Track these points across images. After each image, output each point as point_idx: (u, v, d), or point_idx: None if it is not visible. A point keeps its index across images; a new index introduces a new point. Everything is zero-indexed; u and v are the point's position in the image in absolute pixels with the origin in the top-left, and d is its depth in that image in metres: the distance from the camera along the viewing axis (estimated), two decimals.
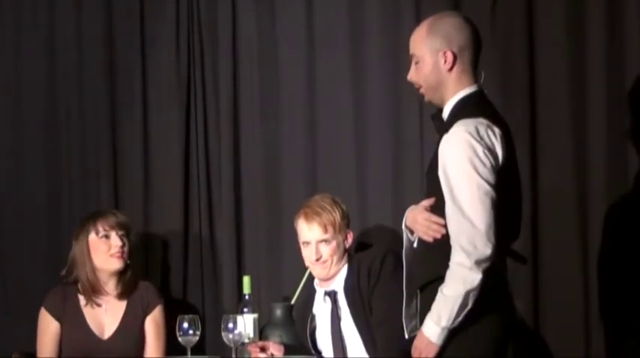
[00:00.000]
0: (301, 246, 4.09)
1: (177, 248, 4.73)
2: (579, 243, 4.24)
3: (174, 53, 4.75)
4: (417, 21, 4.32)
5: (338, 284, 4.04)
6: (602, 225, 4.19)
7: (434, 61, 3.32)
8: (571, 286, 4.22)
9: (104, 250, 4.25)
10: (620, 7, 4.24)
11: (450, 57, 3.30)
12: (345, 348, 4.01)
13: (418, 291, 3.32)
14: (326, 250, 4.01)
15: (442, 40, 3.31)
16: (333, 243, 4.02)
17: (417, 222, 3.31)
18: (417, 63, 3.37)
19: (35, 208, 4.81)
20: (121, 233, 4.27)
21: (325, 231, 4.01)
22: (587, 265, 4.23)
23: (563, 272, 4.24)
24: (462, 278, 3.14)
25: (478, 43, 3.36)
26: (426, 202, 3.31)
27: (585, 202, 4.24)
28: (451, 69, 3.31)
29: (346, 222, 4.06)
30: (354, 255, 4.13)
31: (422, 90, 3.39)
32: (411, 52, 3.39)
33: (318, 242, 4.02)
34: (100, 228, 4.26)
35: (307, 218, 4.03)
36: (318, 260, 4.00)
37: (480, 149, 3.17)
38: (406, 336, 3.39)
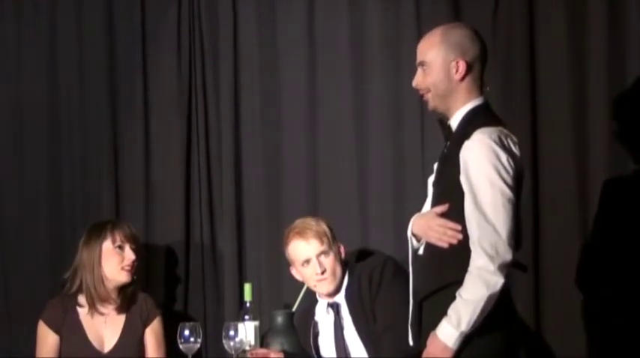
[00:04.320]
0: (300, 270, 4.07)
1: (178, 255, 4.72)
2: (580, 245, 4.24)
3: (175, 58, 4.74)
4: (418, 26, 4.36)
5: (340, 296, 4.04)
6: (603, 228, 4.19)
7: (445, 69, 3.31)
8: (572, 288, 4.22)
9: (117, 261, 4.23)
10: (621, 14, 4.25)
11: (462, 67, 3.30)
12: (349, 356, 4.01)
13: (424, 298, 3.31)
14: (327, 262, 4.01)
15: (456, 50, 3.30)
16: (332, 255, 4.02)
17: (431, 229, 3.30)
18: (425, 69, 3.35)
19: (36, 211, 4.80)
20: (134, 246, 4.26)
21: (322, 242, 4.01)
22: (588, 267, 4.22)
23: (564, 274, 4.24)
24: (484, 281, 3.14)
25: (486, 57, 3.37)
26: (439, 209, 3.30)
27: (586, 204, 4.25)
28: (462, 79, 3.31)
29: (334, 235, 4.06)
30: (354, 264, 4.13)
31: (427, 96, 3.38)
32: (420, 58, 3.37)
33: (317, 255, 4.01)
34: (117, 238, 4.24)
35: (302, 234, 4.04)
36: (323, 272, 3.99)
37: (503, 156, 3.19)
38: (410, 343, 3.38)
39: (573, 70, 4.28)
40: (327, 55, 4.58)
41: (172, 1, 4.74)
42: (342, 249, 4.08)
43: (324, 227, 4.05)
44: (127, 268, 4.23)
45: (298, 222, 4.10)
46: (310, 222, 4.08)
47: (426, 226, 3.32)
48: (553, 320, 4.26)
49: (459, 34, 3.33)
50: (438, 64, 3.32)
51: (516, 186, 3.23)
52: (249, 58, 4.69)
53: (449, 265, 3.23)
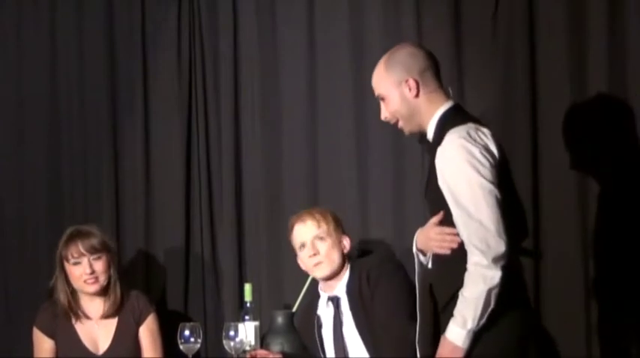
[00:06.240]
0: (300, 255, 4.09)
1: (178, 255, 4.72)
2: (580, 244, 4.24)
3: (175, 58, 4.74)
4: (419, 28, 4.37)
5: (340, 289, 4.05)
6: (603, 227, 4.19)
7: (399, 92, 3.37)
8: (572, 287, 4.22)
9: (78, 276, 4.20)
10: (622, 14, 4.24)
11: (412, 84, 3.35)
12: (347, 351, 4.02)
13: (441, 310, 3.31)
14: (322, 246, 4.03)
15: (401, 70, 3.36)
16: (329, 241, 4.04)
17: (430, 238, 3.32)
18: (383, 100, 3.42)
19: (36, 211, 4.80)
20: (93, 256, 4.20)
21: (318, 226, 4.04)
22: (588, 266, 4.23)
23: (564, 274, 4.23)
24: (481, 277, 3.14)
25: (435, 62, 3.41)
26: (435, 218, 3.32)
27: (586, 204, 4.24)
28: (417, 94, 3.35)
29: (340, 227, 4.09)
30: (356, 260, 4.13)
31: (400, 125, 3.43)
32: (377, 93, 3.44)
33: (313, 239, 4.04)
34: (70, 256, 4.20)
35: (300, 219, 4.09)
36: (315, 255, 4.01)
37: (476, 150, 3.20)
38: (418, 356, 3.39)
39: (573, 70, 4.27)
40: (327, 54, 4.58)
41: (172, 1, 4.75)
42: (346, 241, 4.08)
43: (327, 216, 4.07)
44: (89, 281, 4.20)
45: (304, 210, 4.14)
46: (313, 211, 4.12)
47: (426, 238, 3.35)
48: (553, 320, 4.26)
49: (398, 55, 3.40)
50: (392, 92, 3.39)
51: (499, 174, 3.22)
52: (249, 58, 4.69)
53: (458, 273, 3.22)
